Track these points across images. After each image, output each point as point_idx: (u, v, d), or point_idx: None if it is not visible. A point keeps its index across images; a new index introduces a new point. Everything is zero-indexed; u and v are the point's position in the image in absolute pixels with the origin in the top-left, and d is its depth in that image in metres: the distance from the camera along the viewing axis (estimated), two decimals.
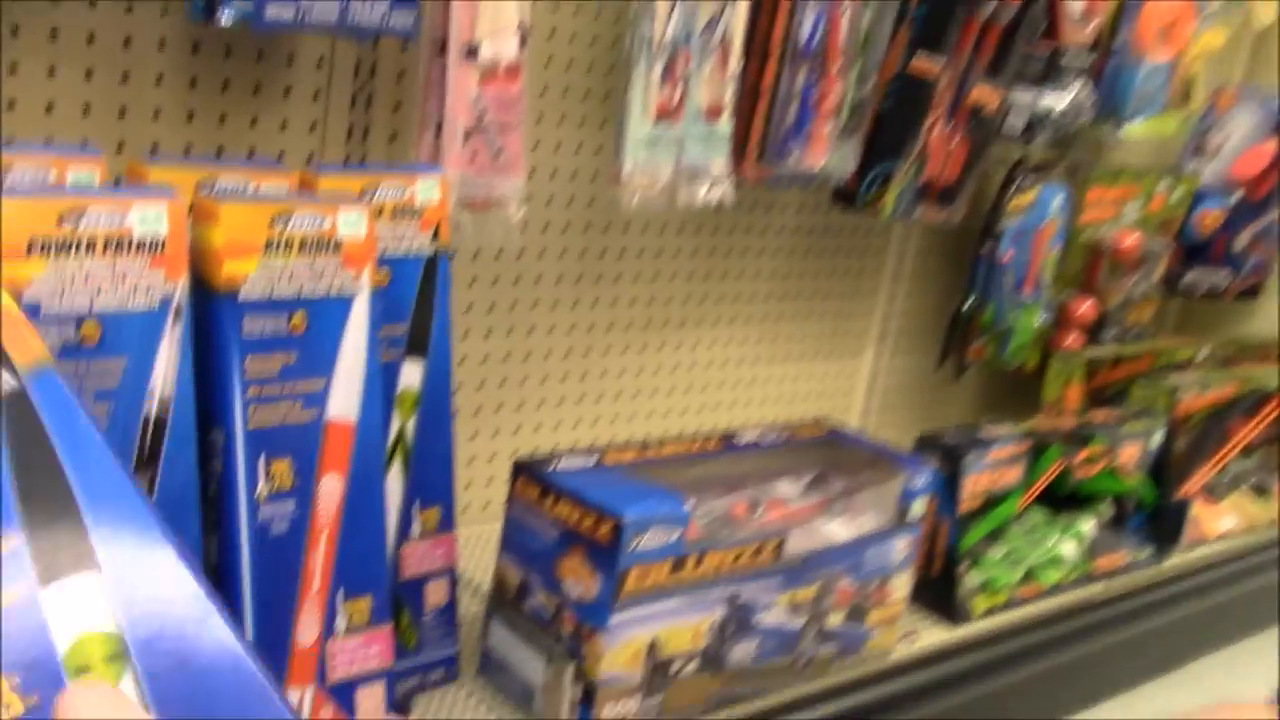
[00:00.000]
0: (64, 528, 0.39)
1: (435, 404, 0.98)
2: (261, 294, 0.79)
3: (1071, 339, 1.78)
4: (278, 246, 0.80)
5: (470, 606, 1.15)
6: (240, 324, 0.79)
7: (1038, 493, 1.40)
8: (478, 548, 1.29)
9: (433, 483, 0.99)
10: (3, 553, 0.38)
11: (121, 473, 0.41)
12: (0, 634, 0.36)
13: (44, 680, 0.36)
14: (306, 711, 0.84)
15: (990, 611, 1.36)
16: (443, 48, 1.05)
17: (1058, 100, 1.62)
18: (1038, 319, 1.72)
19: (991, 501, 1.37)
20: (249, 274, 0.79)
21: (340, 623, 0.85)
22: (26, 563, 0.38)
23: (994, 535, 1.38)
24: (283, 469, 0.81)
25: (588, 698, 0.98)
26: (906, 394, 1.80)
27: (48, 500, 0.39)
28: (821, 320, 1.62)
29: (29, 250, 0.70)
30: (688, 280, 1.44)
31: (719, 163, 1.26)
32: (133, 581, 0.39)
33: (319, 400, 0.83)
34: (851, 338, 1.68)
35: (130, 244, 0.73)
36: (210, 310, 0.78)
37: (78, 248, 0.71)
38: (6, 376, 0.41)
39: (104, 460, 0.41)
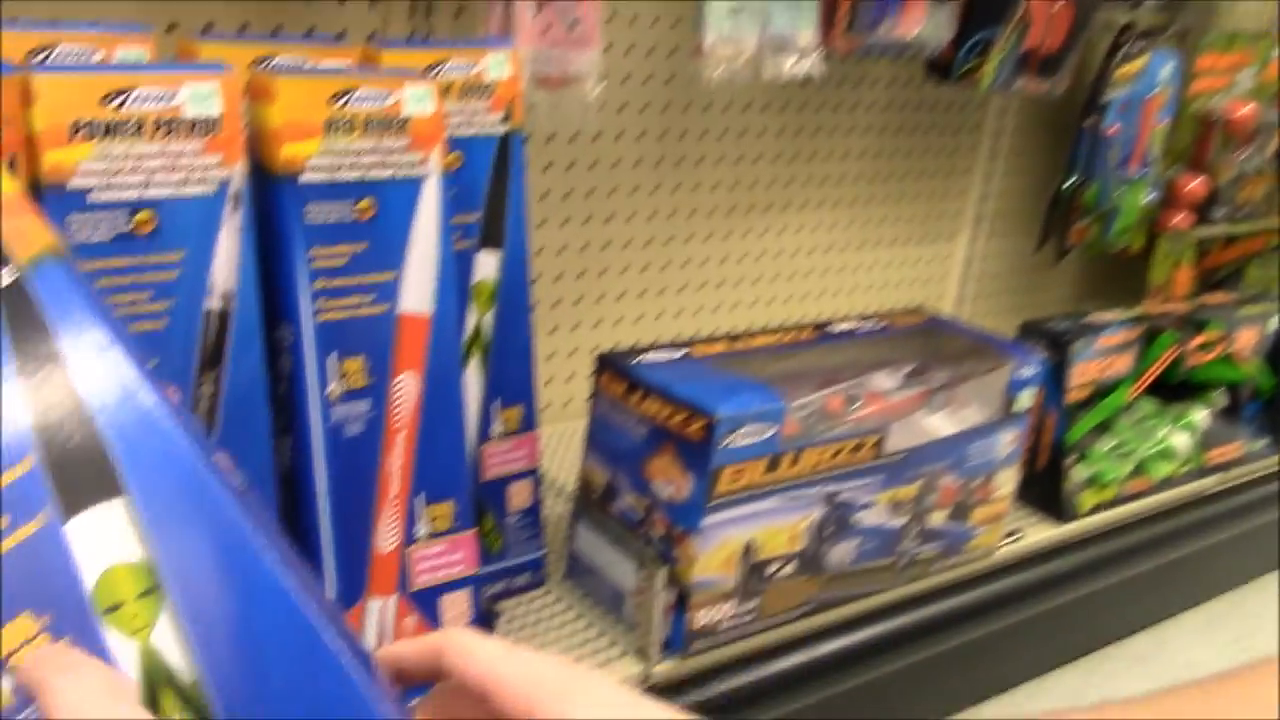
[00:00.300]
0: (80, 443, 0.34)
1: (513, 296, 0.92)
2: (325, 178, 0.73)
3: (1180, 218, 1.68)
4: (340, 126, 0.74)
5: (554, 508, 1.10)
6: (303, 210, 0.73)
7: (1149, 382, 1.32)
8: (560, 446, 1.24)
9: (513, 380, 0.94)
10: (16, 478, 0.34)
11: (135, 374, 0.36)
12: (24, 568, 0.33)
13: (75, 621, 0.33)
14: (389, 621, 0.80)
15: (1098, 507, 1.29)
16: None
17: None
18: (1144, 197, 1.61)
19: (1100, 392, 1.29)
20: (310, 156, 0.73)
21: (421, 529, 0.81)
22: (48, 492, 0.34)
23: (1102, 427, 1.31)
24: (355, 367, 0.76)
25: (681, 602, 0.93)
26: (1003, 279, 1.71)
27: (58, 412, 0.34)
28: (914, 202, 1.53)
29: (73, 133, 0.64)
30: (773, 162, 1.36)
31: (806, 33, 1.17)
32: (161, 496, 0.34)
33: (390, 293, 0.77)
34: (946, 220, 1.59)
35: (182, 125, 0.67)
36: (270, 196, 0.73)
37: (125, 130, 0.66)
38: (5, 271, 0.36)
39: (115, 358, 0.36)
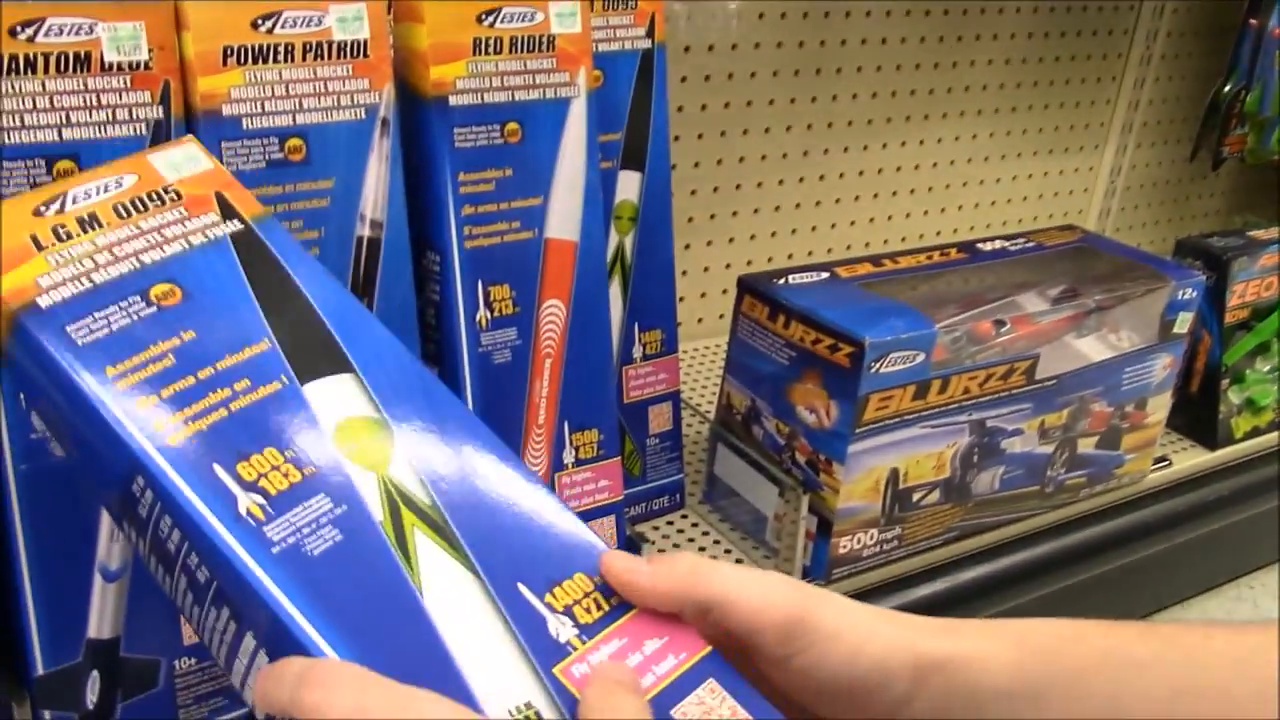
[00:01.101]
0: (313, 335, 0.43)
1: (655, 217, 0.90)
2: (472, 100, 0.72)
3: None
4: (487, 46, 0.72)
5: (690, 428, 1.09)
6: (451, 135, 0.71)
7: None
8: (694, 365, 1.22)
9: (654, 302, 0.92)
10: (255, 354, 0.42)
11: (351, 296, 0.46)
12: (268, 416, 0.40)
13: (318, 455, 0.39)
14: None
15: (1253, 433, 1.24)
16: None
17: None
18: None
19: (1258, 313, 1.23)
20: (458, 78, 0.71)
21: (568, 456, 0.80)
22: (285, 363, 0.42)
23: (1258, 350, 1.25)
24: (503, 294, 0.75)
25: (823, 529, 0.91)
26: (1152, 191, 1.64)
27: (292, 313, 0.44)
28: (1061, 111, 1.47)
29: (224, 60, 0.63)
30: (914, 71, 1.30)
31: None
32: (384, 377, 0.43)
33: (538, 218, 0.76)
34: (1094, 130, 1.52)
35: (331, 48, 0.66)
36: (418, 120, 0.71)
37: (275, 55, 0.65)
38: (232, 223, 0.46)
39: (331, 282, 0.46)
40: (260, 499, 0.38)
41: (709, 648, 0.39)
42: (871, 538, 0.94)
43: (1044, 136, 1.47)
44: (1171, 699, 0.38)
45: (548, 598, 0.38)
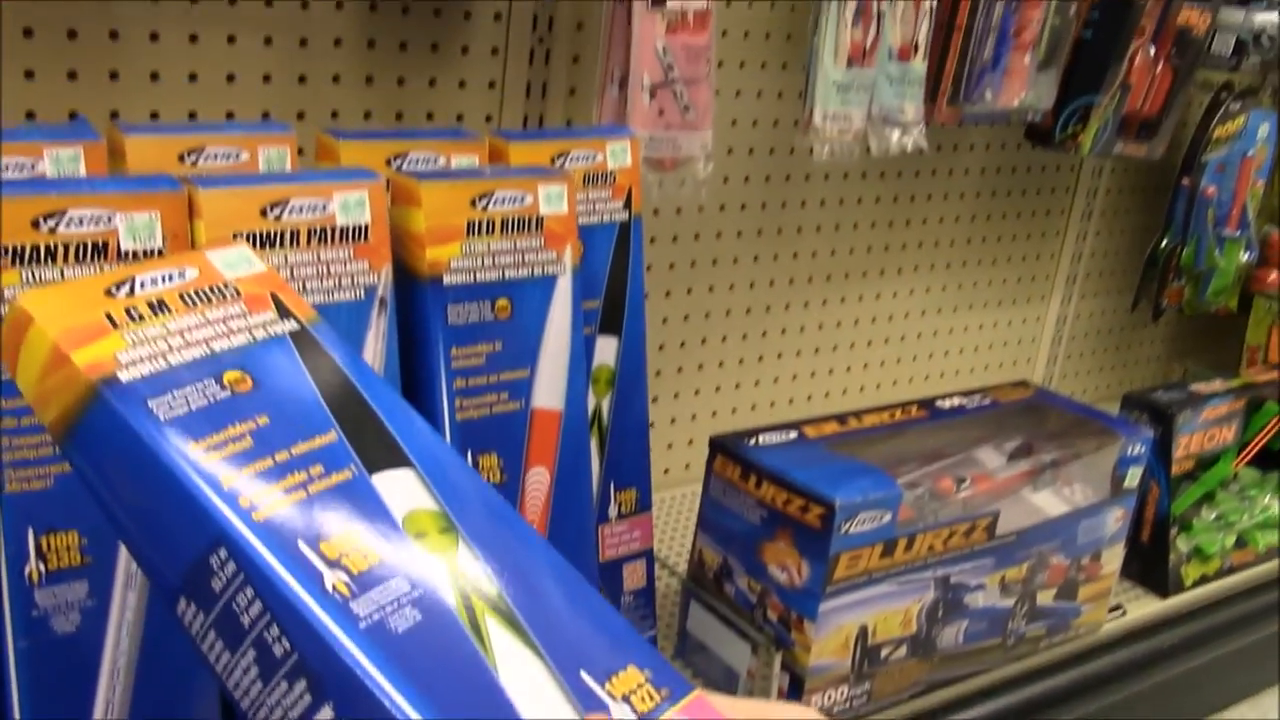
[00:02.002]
0: (373, 431, 0.45)
1: (631, 380, 0.93)
2: (465, 279, 0.75)
3: (1275, 278, 1.66)
4: (480, 228, 0.75)
5: (660, 581, 1.11)
6: (445, 312, 0.74)
7: (1254, 452, 1.31)
8: (661, 516, 1.25)
9: (630, 462, 0.95)
10: (326, 443, 0.44)
11: (401, 397, 0.48)
12: (343, 501, 0.42)
13: (392, 541, 0.42)
14: None
15: (1202, 580, 1.28)
16: None
17: (1270, 19, 1.48)
18: (1241, 257, 1.60)
19: (1203, 463, 1.28)
20: (452, 259, 0.74)
21: None
22: (352, 455, 0.44)
23: (1204, 499, 1.29)
24: (490, 463, 0.78)
25: (795, 685, 0.93)
26: (1097, 339, 1.70)
27: (351, 409, 0.46)
28: (1009, 265, 1.53)
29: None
30: (871, 229, 1.36)
31: (912, 107, 1.17)
32: (441, 476, 0.45)
33: (524, 389, 0.78)
34: (1040, 282, 1.59)
35: (334, 233, 0.69)
36: (413, 298, 0.74)
37: (282, 240, 0.68)
38: (289, 322, 0.49)
39: (383, 384, 0.48)
40: (345, 576, 0.40)
41: None
42: (842, 694, 0.96)
43: (993, 289, 1.53)
44: None
45: (607, 686, 0.40)
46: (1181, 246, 1.57)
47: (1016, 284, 1.56)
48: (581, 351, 0.82)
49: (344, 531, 0.41)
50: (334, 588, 0.39)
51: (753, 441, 0.97)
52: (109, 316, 0.46)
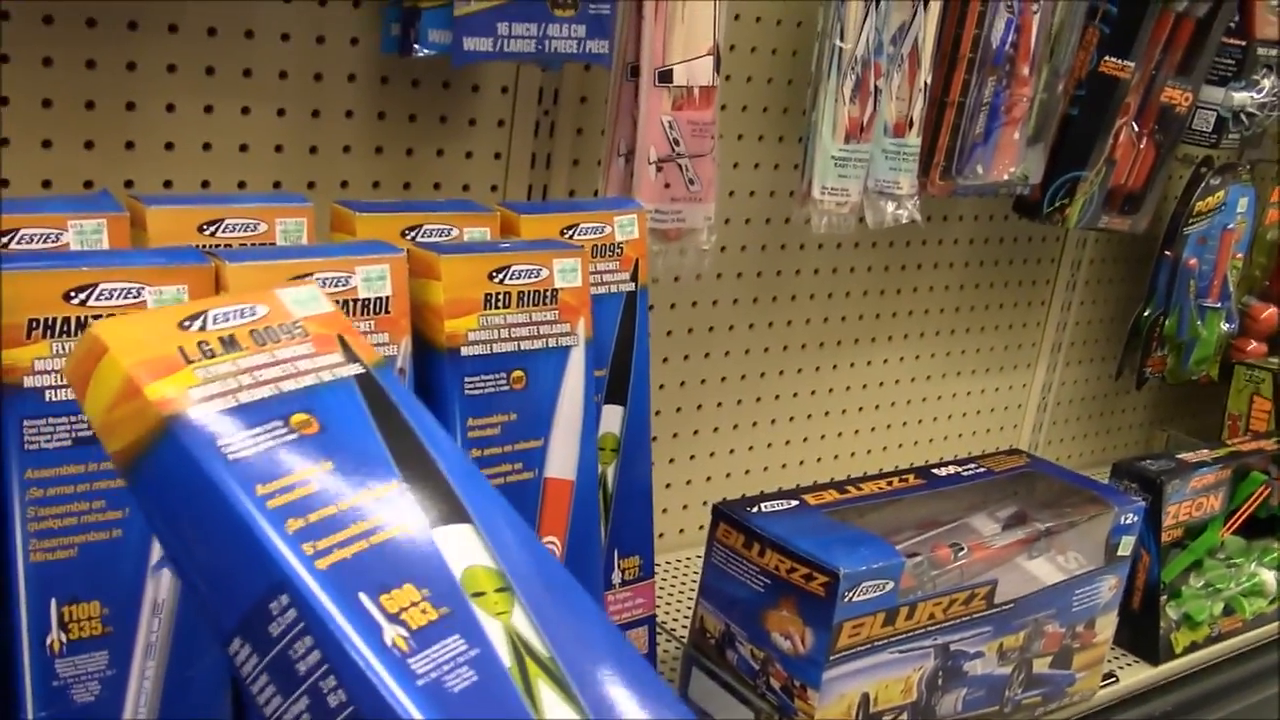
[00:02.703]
0: (434, 484, 0.45)
1: (635, 448, 0.95)
2: (482, 350, 0.76)
3: (1255, 348, 1.69)
4: (497, 301, 0.77)
5: (661, 645, 1.11)
6: (462, 384, 0.76)
7: (1240, 520, 1.33)
8: (660, 579, 1.25)
9: (633, 529, 0.96)
10: (387, 494, 0.44)
11: (461, 450, 0.50)
12: (403, 554, 0.42)
13: (450, 597, 0.41)
14: None
15: (1192, 647, 1.29)
16: (633, 71, 1.01)
17: (1248, 97, 1.53)
18: (1222, 328, 1.63)
19: (1191, 531, 1.29)
20: (470, 330, 0.76)
21: None
22: (414, 506, 0.44)
23: (1192, 567, 1.31)
24: None
25: None
26: (1081, 406, 1.73)
27: (414, 459, 0.45)
28: (996, 333, 1.56)
29: None
30: (864, 297, 1.39)
31: (907, 180, 1.20)
32: (498, 534, 0.45)
33: (538, 459, 0.80)
34: (1026, 350, 1.61)
35: (355, 305, 0.70)
36: (431, 369, 0.75)
37: None
38: (355, 365, 0.48)
39: (445, 436, 0.47)
40: (404, 631, 0.39)
41: None
42: None
43: (981, 357, 1.55)
44: None
45: None
46: (1164, 316, 1.60)
47: (1004, 351, 1.58)
48: (593, 421, 0.84)
49: (404, 585, 0.41)
50: (394, 643, 0.39)
51: (755, 509, 0.98)
52: (182, 351, 0.45)
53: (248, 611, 0.41)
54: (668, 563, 1.28)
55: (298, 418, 0.45)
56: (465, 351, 0.75)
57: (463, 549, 0.44)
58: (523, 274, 0.78)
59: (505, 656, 0.41)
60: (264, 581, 0.40)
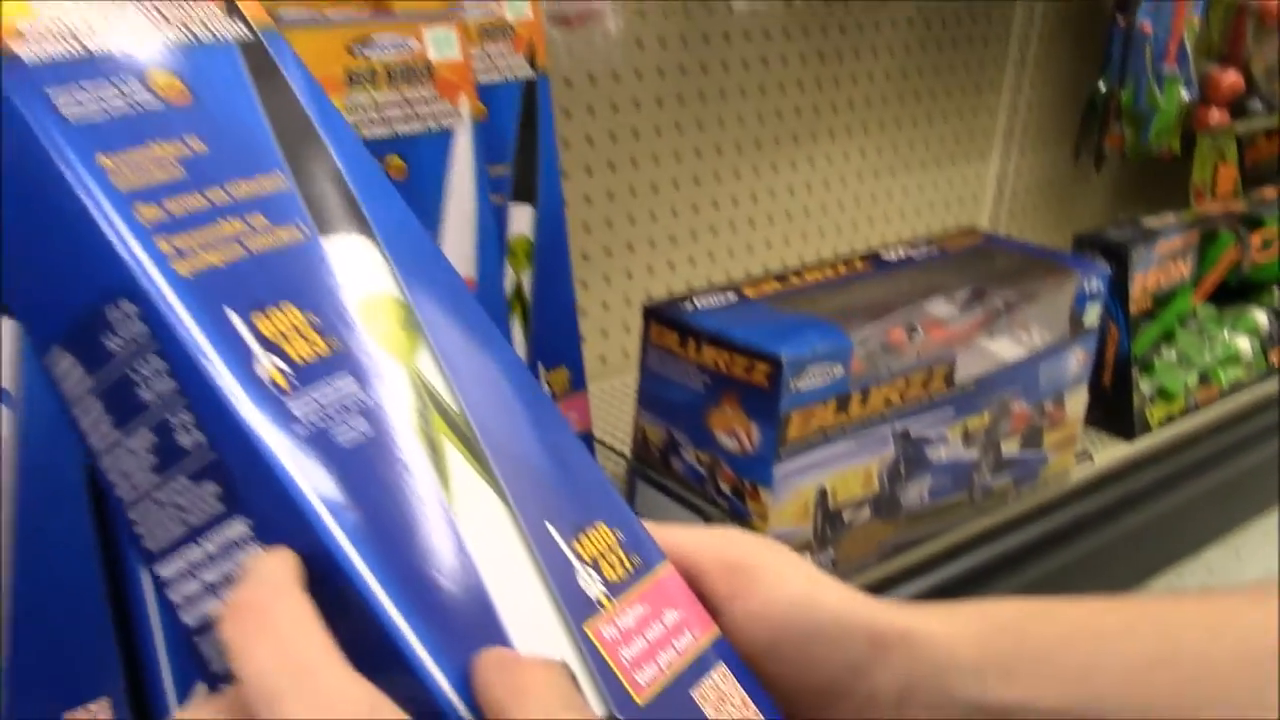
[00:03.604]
0: (330, 184, 0.36)
1: (551, 252, 0.87)
2: None
3: (1217, 115, 1.61)
4: (362, 78, 0.68)
5: (605, 469, 1.05)
6: None
7: (1212, 285, 1.26)
8: (602, 406, 1.18)
9: (557, 340, 0.89)
10: (271, 190, 0.35)
11: (368, 152, 0.38)
12: (286, 266, 0.33)
13: (342, 328, 0.33)
14: None
15: (1168, 420, 1.24)
16: None
17: None
18: (1181, 96, 1.54)
19: (1160, 300, 1.23)
20: None
21: None
22: (299, 207, 0.35)
23: (1163, 338, 1.25)
24: None
25: None
26: (1040, 194, 1.65)
27: (307, 152, 0.36)
28: (944, 121, 1.47)
29: None
30: (799, 90, 1.29)
31: None
32: (406, 255, 0.36)
33: None
34: (978, 137, 1.53)
35: None
36: None
37: None
38: (241, 27, 0.38)
39: (348, 131, 0.38)
40: (282, 364, 0.31)
41: (717, 630, 0.36)
42: None
43: (930, 148, 1.47)
44: (1147, 669, 0.36)
45: (575, 544, 0.34)
46: (1120, 88, 1.51)
47: (955, 141, 1.50)
48: (490, 217, 0.75)
49: (284, 304, 0.32)
50: (269, 376, 0.31)
51: (689, 305, 0.90)
52: None
53: (79, 316, 0.32)
54: (610, 388, 1.21)
55: (161, 78, 0.34)
56: None
57: (361, 269, 0.35)
58: (389, 47, 0.69)
59: (407, 409, 0.33)
60: (104, 281, 0.31)
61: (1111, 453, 1.18)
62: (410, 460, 0.32)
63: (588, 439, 0.92)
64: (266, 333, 0.31)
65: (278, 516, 0.30)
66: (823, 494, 0.89)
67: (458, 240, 0.73)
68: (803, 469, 0.87)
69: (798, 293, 0.95)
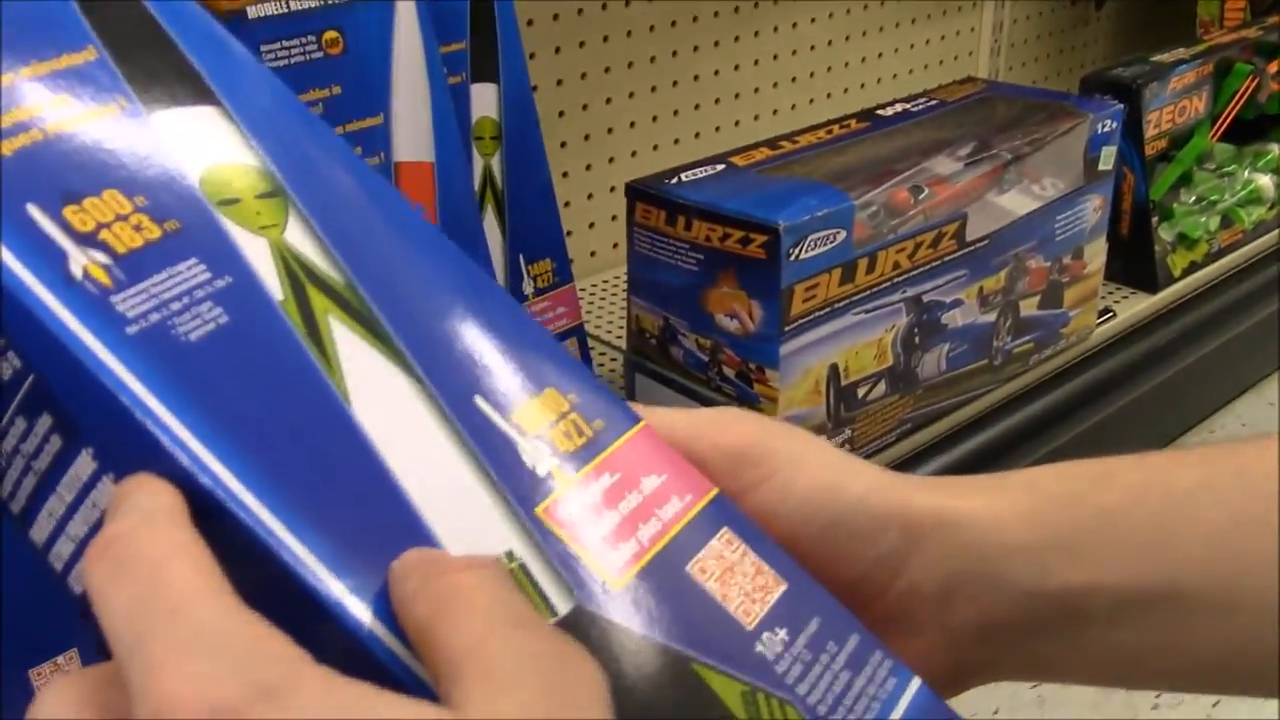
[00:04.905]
0: (157, 51, 0.31)
1: (521, 134, 0.80)
2: (276, 9, 0.60)
3: None
4: None
5: (602, 366, 0.99)
6: (258, 53, 0.60)
7: (1229, 120, 1.19)
8: (595, 300, 1.12)
9: (537, 230, 0.82)
10: (72, 64, 0.29)
11: (208, 14, 0.33)
12: (102, 150, 0.28)
13: (183, 208, 0.28)
14: None
15: (1191, 268, 1.17)
16: None
17: None
18: None
19: (1176, 141, 1.16)
20: None
21: None
22: (116, 79, 0.30)
23: (1181, 180, 1.18)
24: None
25: None
26: (1039, 44, 1.56)
27: (122, 19, 0.31)
28: None
29: None
30: None
31: None
32: (264, 119, 0.31)
33: (381, 140, 0.65)
34: None
35: None
36: None
37: None
38: None
39: (193, 8, 0.33)
40: (103, 257, 0.26)
41: (715, 488, 0.31)
42: None
43: (921, 1, 1.38)
44: (1231, 530, 0.30)
45: (515, 416, 0.29)
46: None
47: None
48: (445, 95, 0.68)
49: (104, 192, 0.27)
50: (85, 273, 0.26)
51: (675, 180, 0.83)
52: None
53: None
54: (602, 282, 1.15)
55: None
56: (253, 13, 0.59)
57: (203, 141, 0.30)
58: None
59: (275, 286, 0.28)
60: None
61: (1135, 306, 1.12)
62: (280, 343, 0.27)
63: (579, 333, 0.85)
64: (82, 226, 0.26)
65: (118, 436, 0.25)
66: (834, 370, 0.83)
67: (410, 122, 0.66)
68: (810, 345, 0.81)
69: (791, 158, 0.88)
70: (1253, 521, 0.30)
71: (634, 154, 1.17)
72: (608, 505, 0.28)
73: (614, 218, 1.17)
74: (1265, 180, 1.24)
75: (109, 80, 0.29)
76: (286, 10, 0.60)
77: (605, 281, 1.16)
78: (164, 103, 0.30)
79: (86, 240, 0.26)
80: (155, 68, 0.30)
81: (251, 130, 0.30)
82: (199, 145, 0.29)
